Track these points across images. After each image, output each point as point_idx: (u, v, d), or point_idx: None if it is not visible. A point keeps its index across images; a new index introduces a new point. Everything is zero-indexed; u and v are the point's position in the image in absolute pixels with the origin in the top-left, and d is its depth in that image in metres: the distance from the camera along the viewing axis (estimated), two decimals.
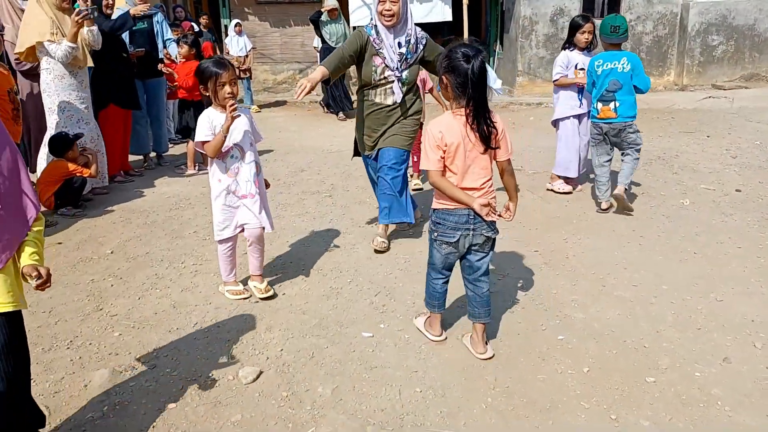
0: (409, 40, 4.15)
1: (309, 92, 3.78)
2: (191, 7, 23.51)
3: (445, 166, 2.78)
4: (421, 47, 4.22)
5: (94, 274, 3.95)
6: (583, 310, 3.41)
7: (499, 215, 2.89)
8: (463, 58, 2.67)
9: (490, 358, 2.93)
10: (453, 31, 14.30)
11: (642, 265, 3.98)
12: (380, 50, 4.12)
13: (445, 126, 2.75)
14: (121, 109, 5.97)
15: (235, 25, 11.05)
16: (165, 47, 6.90)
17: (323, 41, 9.88)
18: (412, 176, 5.79)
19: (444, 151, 2.75)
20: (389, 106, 4.23)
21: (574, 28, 5.40)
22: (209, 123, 3.31)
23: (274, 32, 13.07)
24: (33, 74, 5.53)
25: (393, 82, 4.17)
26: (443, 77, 2.77)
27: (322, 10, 9.59)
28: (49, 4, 4.96)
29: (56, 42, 4.95)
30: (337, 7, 9.75)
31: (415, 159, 5.72)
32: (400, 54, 4.13)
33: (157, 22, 6.70)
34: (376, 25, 4.13)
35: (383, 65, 4.13)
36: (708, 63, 11.81)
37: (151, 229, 4.79)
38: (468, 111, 2.71)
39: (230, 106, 3.22)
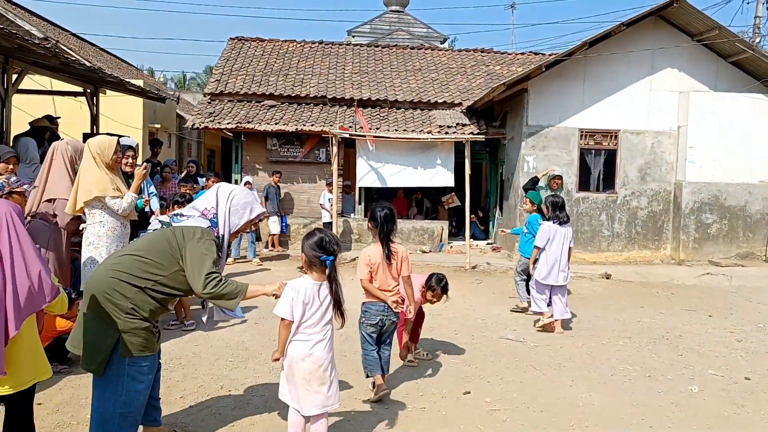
0: None
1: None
2: (204, 160, 24.79)
3: (371, 276, 4.51)
4: None
5: None
6: None
7: (404, 313, 4.64)
8: (377, 211, 4.49)
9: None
10: (439, 196, 14.86)
11: None
12: None
13: (372, 251, 4.55)
14: None
15: (245, 183, 11.48)
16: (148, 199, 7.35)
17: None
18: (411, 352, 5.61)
19: (370, 267, 4.50)
20: None
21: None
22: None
23: (282, 189, 13.54)
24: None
25: None
26: (369, 224, 4.64)
27: (539, 176, 8.62)
28: (104, 165, 5.25)
29: (119, 197, 5.24)
30: (561, 176, 8.89)
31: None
32: None
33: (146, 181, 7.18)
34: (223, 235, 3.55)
35: None
36: (703, 240, 12.10)
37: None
38: (381, 242, 4.50)
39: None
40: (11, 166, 5.86)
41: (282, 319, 3.31)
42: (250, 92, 14.57)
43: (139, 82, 13.80)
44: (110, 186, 5.21)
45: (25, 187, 4.84)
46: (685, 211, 12.07)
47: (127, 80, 12.04)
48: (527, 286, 7.39)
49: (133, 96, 13.14)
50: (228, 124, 13.10)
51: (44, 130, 8.24)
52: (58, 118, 10.21)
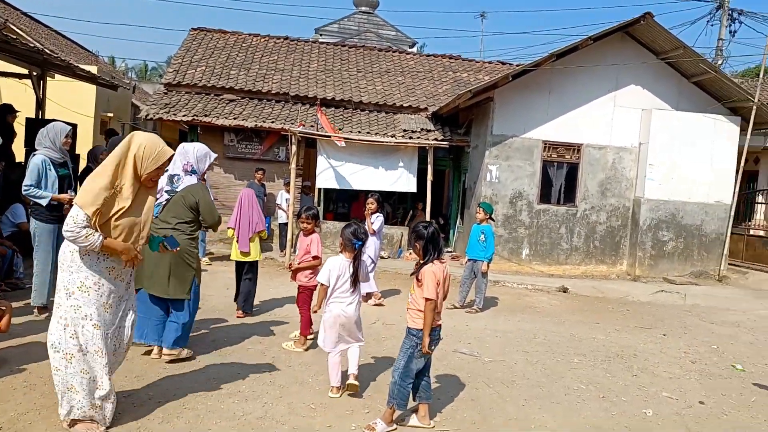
0: None
1: None
2: None
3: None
4: None
5: None
6: None
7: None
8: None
9: None
10: (416, 202, 14.64)
11: None
12: None
13: (435, 268, 4.09)
14: None
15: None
16: None
17: None
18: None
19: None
20: None
21: None
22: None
23: (237, 185, 13.11)
24: None
25: None
26: (415, 243, 4.23)
27: None
28: (138, 172, 3.69)
29: (91, 227, 3.49)
30: None
31: None
32: None
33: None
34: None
35: None
36: (659, 257, 12.17)
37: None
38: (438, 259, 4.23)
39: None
40: None
41: (321, 283, 4.69)
42: (209, 85, 14.12)
43: (93, 69, 13.16)
44: (94, 205, 3.50)
45: None
46: (643, 227, 12.12)
47: (78, 65, 11.43)
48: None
49: (83, 82, 12.52)
50: (184, 116, 12.63)
51: None
52: (18, 111, 9.85)
